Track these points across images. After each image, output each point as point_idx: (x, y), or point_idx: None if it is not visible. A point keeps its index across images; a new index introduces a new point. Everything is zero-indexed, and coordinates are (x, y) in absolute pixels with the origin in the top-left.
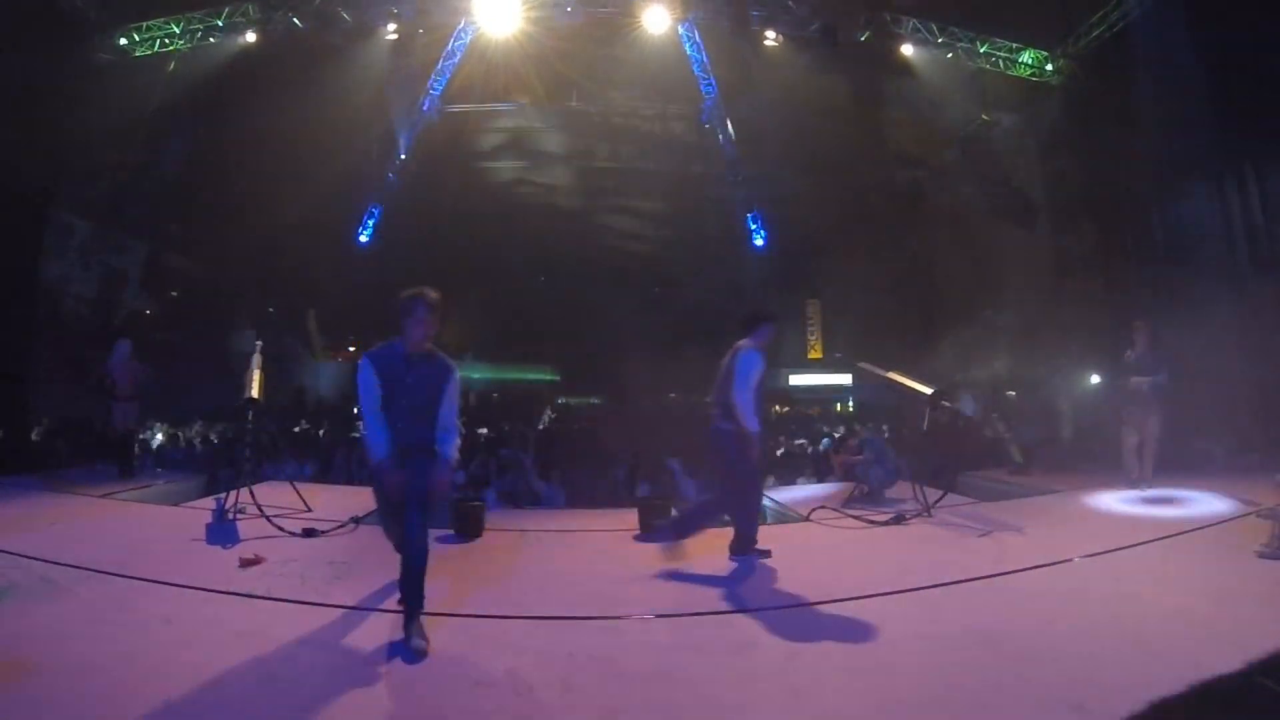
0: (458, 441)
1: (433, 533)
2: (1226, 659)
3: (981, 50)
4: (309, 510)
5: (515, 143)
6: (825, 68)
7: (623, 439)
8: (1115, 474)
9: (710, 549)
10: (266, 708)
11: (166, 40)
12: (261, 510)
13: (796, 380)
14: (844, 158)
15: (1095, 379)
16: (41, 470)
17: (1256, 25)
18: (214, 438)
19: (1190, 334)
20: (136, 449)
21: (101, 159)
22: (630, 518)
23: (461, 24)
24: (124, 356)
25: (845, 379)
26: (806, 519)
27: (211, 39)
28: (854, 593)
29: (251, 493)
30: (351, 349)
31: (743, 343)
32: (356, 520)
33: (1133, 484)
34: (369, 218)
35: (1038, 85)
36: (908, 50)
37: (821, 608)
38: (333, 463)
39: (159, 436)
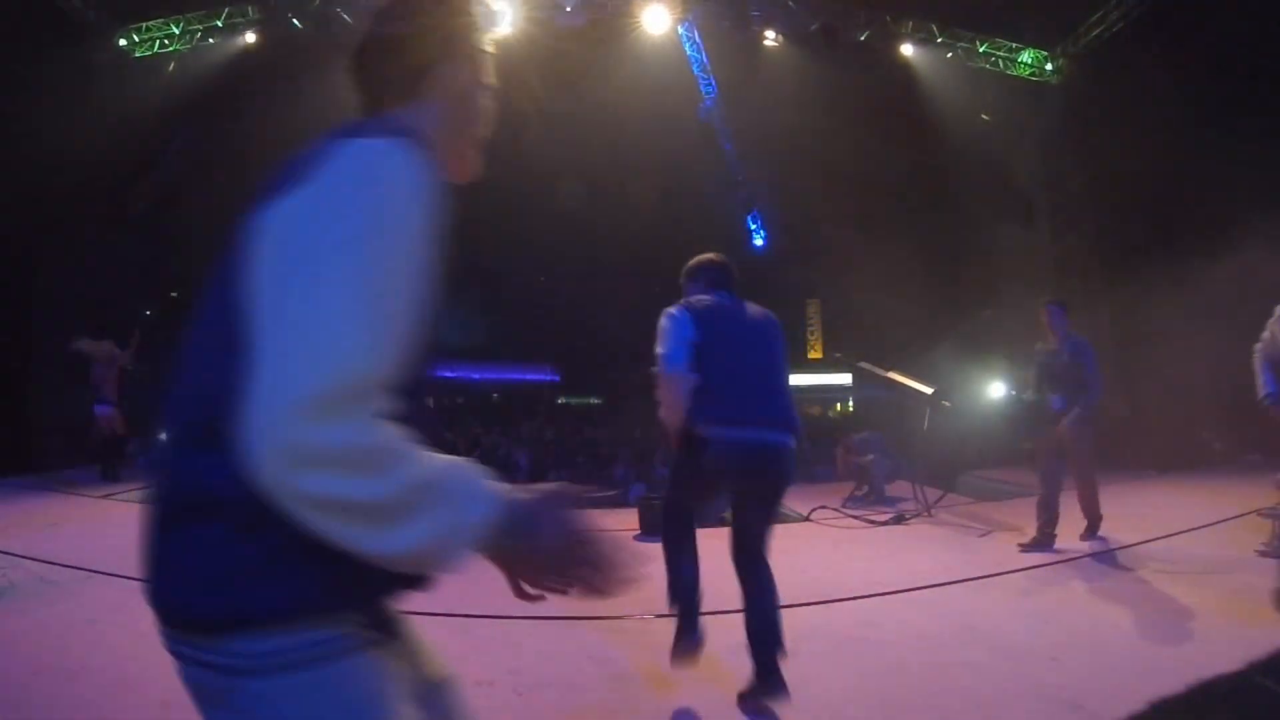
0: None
1: None
2: (1226, 659)
3: (981, 50)
4: None
5: (514, 143)
6: (825, 68)
7: (622, 438)
8: (1112, 473)
9: (707, 550)
10: None
11: (166, 41)
12: None
13: (796, 380)
14: (844, 158)
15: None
16: (41, 470)
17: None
18: None
19: (1192, 332)
20: (125, 451)
21: (101, 159)
22: (630, 518)
23: None
24: (107, 358)
25: (845, 379)
26: (806, 519)
27: (211, 40)
28: (854, 593)
29: None
30: None
31: None
32: None
33: (1043, 543)
34: None
35: (1038, 85)
36: (908, 50)
37: (821, 608)
38: None
39: (164, 435)
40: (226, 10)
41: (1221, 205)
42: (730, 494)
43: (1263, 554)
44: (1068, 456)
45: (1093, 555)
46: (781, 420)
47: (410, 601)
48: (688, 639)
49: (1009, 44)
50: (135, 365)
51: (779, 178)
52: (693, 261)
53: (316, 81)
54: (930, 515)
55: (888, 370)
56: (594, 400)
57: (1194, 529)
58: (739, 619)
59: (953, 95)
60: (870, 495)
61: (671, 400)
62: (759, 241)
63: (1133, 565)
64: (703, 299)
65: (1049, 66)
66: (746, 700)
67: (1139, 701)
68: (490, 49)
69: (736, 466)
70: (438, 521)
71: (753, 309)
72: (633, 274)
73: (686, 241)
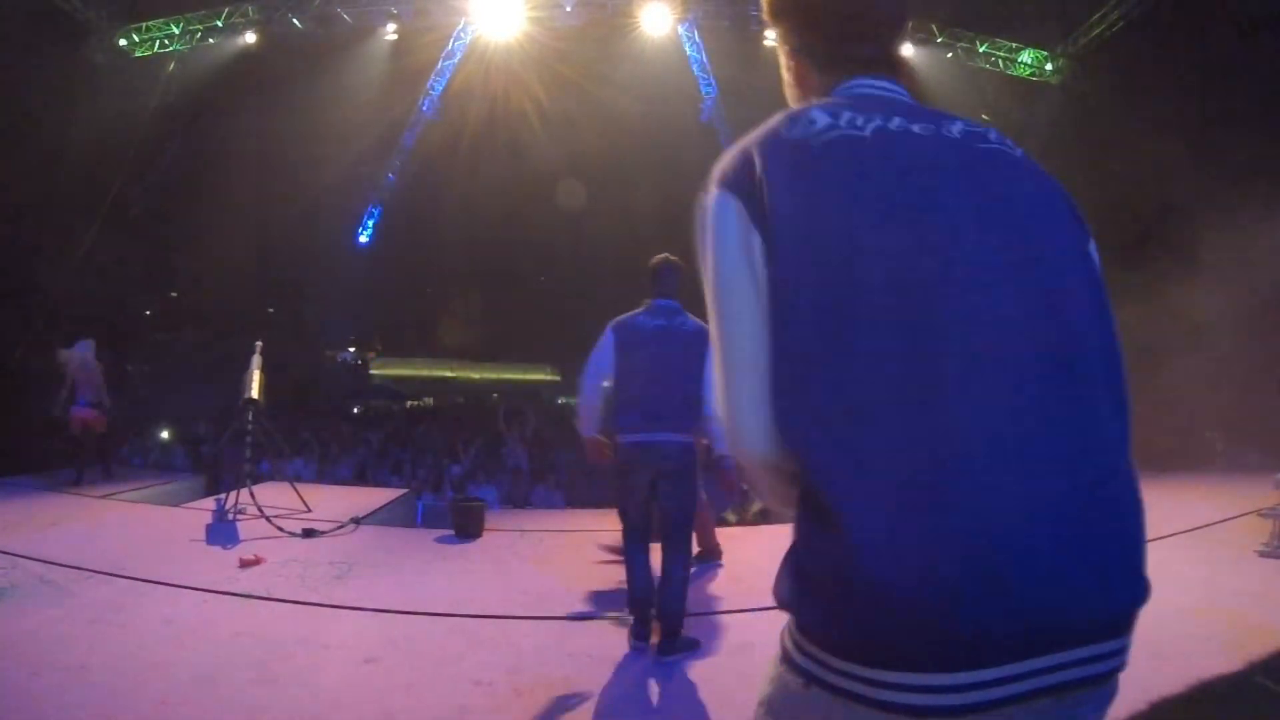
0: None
1: (433, 532)
2: (1226, 659)
3: (981, 50)
4: (309, 510)
5: (515, 143)
6: None
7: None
8: None
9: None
10: (266, 708)
11: (166, 41)
12: (261, 510)
13: None
14: None
15: None
16: (41, 470)
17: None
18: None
19: (1193, 332)
20: (104, 452)
21: (101, 159)
22: None
23: (461, 24)
24: (84, 357)
25: None
26: None
27: (211, 40)
28: None
29: (251, 493)
30: (351, 349)
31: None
32: (356, 520)
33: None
34: (369, 218)
35: (1038, 85)
36: (907, 50)
37: None
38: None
39: (164, 434)
40: (226, 10)
41: (1222, 204)
42: (647, 489)
43: (1263, 554)
44: None
45: None
46: (670, 422)
47: (412, 602)
48: (635, 640)
49: (1009, 44)
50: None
51: None
52: (650, 262)
53: (316, 82)
54: None
55: None
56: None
57: (1194, 529)
58: (741, 619)
59: (953, 95)
60: None
61: (580, 411)
62: None
63: None
64: (635, 314)
65: (1049, 66)
66: (658, 649)
67: (1139, 701)
68: None
69: (630, 463)
70: None
71: (681, 321)
72: (633, 274)
73: (687, 242)
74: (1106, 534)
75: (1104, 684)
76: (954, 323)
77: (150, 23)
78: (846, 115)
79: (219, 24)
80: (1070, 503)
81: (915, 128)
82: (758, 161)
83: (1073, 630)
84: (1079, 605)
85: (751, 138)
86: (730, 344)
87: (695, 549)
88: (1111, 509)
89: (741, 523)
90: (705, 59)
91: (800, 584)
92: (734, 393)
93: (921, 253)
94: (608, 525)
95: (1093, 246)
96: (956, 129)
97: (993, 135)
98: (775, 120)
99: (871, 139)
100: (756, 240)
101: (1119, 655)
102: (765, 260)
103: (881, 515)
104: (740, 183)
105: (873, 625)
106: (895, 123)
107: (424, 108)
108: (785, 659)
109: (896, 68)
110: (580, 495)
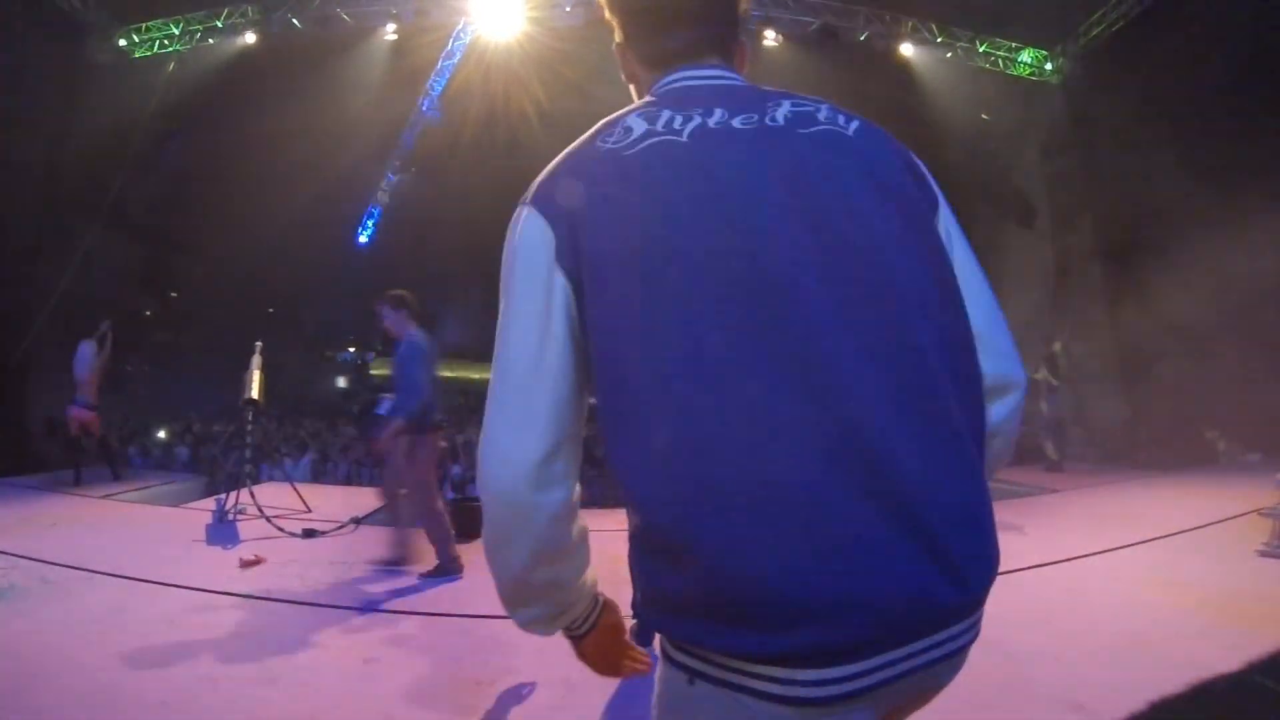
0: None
1: None
2: (1226, 659)
3: (981, 50)
4: (309, 510)
5: (515, 143)
6: (825, 68)
7: None
8: (1115, 472)
9: None
10: (266, 708)
11: (166, 41)
12: (261, 511)
13: None
14: None
15: None
16: (41, 470)
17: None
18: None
19: (1193, 332)
20: (105, 453)
21: (101, 159)
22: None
23: (461, 24)
24: (87, 358)
25: None
26: None
27: (211, 40)
28: None
29: (251, 493)
30: (351, 350)
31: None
32: (357, 520)
33: None
34: (369, 218)
35: (1038, 85)
36: (907, 50)
37: None
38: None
39: (161, 434)
40: (226, 10)
41: (1222, 204)
42: None
43: (1263, 554)
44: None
45: (1091, 555)
46: None
47: (412, 603)
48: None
49: (1009, 44)
50: (111, 364)
51: None
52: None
53: (316, 82)
54: None
55: None
56: (592, 400)
57: (1194, 529)
58: None
59: (953, 95)
60: None
61: None
62: None
63: (1133, 564)
64: None
65: (1049, 66)
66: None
67: (1139, 701)
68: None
69: None
70: None
71: None
72: None
73: None
74: (953, 531)
75: (959, 656)
76: (778, 350)
77: (150, 23)
78: (665, 117)
79: (219, 24)
80: (915, 508)
81: (736, 121)
82: (574, 186)
83: (928, 623)
84: (933, 603)
85: (571, 152)
86: (505, 365)
87: (433, 563)
88: (956, 507)
89: None
90: None
91: (665, 612)
92: (495, 415)
93: (744, 277)
94: (611, 525)
95: (943, 214)
96: (782, 113)
97: (822, 113)
98: (593, 131)
99: (688, 144)
100: (560, 277)
101: (971, 630)
102: (578, 298)
103: (737, 546)
104: (554, 207)
105: (741, 642)
106: (716, 117)
107: (424, 108)
108: (667, 658)
109: (726, 51)
110: (582, 495)
